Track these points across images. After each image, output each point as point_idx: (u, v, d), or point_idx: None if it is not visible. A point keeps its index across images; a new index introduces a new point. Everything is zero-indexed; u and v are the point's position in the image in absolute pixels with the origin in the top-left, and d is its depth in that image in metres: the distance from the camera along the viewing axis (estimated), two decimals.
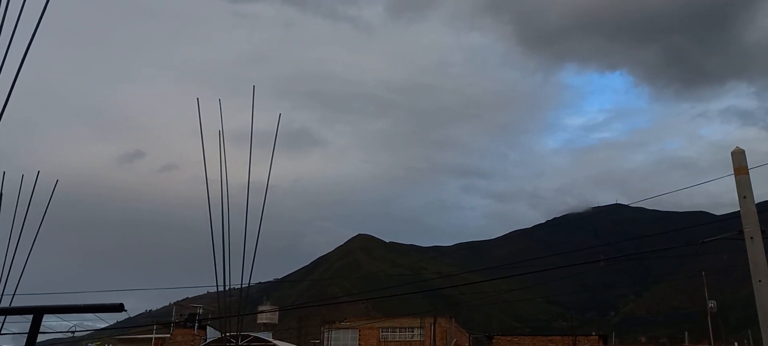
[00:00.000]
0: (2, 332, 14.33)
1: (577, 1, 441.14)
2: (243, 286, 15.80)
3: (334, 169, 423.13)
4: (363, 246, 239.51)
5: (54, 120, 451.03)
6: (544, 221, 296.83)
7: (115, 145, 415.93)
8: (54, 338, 40.17)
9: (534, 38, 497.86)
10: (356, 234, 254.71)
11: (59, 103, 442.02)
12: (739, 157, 12.89)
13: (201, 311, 61.77)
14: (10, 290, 17.16)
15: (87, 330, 52.73)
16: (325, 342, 61.27)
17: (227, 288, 15.76)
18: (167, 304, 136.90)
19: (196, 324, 58.12)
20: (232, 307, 17.48)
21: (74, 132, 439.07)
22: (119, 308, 3.54)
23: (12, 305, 16.73)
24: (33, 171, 17.24)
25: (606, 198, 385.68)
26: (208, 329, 55.71)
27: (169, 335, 57.81)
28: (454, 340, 61.40)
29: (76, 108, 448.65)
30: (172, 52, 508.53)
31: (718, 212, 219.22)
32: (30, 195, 16.71)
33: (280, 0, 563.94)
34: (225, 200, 15.69)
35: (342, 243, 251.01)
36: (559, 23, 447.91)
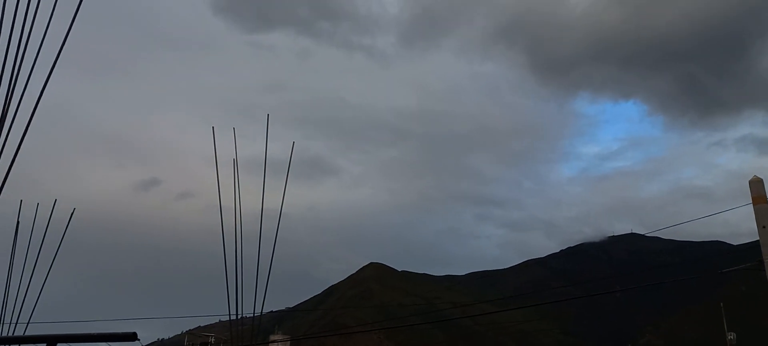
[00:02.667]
0: None
1: (590, 30, 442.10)
2: (255, 315, 15.75)
3: (348, 197, 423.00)
4: (376, 275, 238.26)
5: (73, 147, 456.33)
6: (559, 250, 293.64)
7: (132, 173, 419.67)
8: None
9: (547, 67, 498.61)
10: (369, 262, 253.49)
11: (78, 131, 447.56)
12: (757, 186, 12.71)
13: (213, 340, 61.58)
14: (24, 318, 17.24)
15: None
16: None
17: (240, 316, 15.71)
18: (179, 332, 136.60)
19: None
20: (245, 336, 17.40)
21: (92, 159, 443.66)
22: (132, 337, 3.53)
23: (26, 333, 16.77)
24: (51, 198, 17.43)
25: (622, 227, 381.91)
26: None
27: None
28: None
29: (94, 135, 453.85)
30: (189, 81, 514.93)
31: (737, 242, 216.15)
32: (46, 223, 16.86)
33: (295, 30, 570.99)
34: (238, 227, 15.72)
35: (354, 272, 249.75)
36: (572, 52, 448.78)
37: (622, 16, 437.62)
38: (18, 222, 17.09)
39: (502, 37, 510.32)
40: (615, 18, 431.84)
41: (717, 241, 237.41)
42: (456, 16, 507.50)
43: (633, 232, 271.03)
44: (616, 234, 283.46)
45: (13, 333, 16.50)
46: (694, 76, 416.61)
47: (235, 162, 16.34)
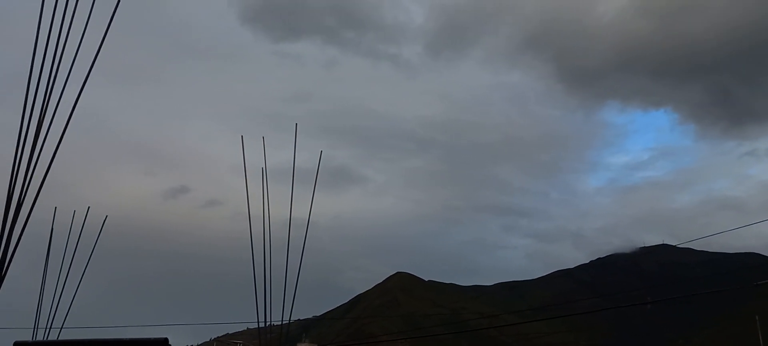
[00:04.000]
0: None
1: (618, 39, 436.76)
2: (284, 322, 15.83)
3: (374, 206, 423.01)
4: (402, 284, 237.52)
5: (105, 154, 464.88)
6: (587, 262, 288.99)
7: (162, 180, 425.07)
8: None
9: (574, 76, 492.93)
10: (395, 272, 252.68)
11: (110, 139, 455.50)
12: None
13: None
14: (58, 322, 17.56)
15: None
16: None
17: (268, 324, 15.79)
18: (208, 339, 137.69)
19: None
20: (273, 343, 17.48)
21: (123, 166, 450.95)
22: (163, 343, 3.57)
23: (59, 338, 17.07)
24: (84, 205, 17.76)
25: (652, 238, 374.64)
26: None
27: None
28: None
29: (125, 143, 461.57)
30: (218, 90, 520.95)
31: None
32: (80, 230, 17.18)
33: (322, 40, 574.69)
34: (267, 235, 15.83)
35: (381, 281, 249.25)
36: (600, 61, 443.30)
37: (650, 25, 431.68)
38: (52, 229, 17.44)
39: (529, 46, 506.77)
40: (644, 27, 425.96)
41: (750, 252, 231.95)
42: (482, 25, 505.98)
43: (664, 243, 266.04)
44: (646, 245, 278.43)
45: (46, 338, 16.80)
46: (725, 85, 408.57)
47: (264, 171, 16.47)
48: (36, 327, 17.12)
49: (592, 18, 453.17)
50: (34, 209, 8.14)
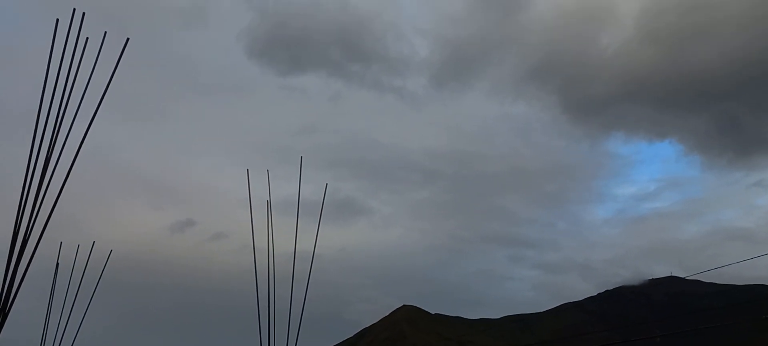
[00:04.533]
0: None
1: (622, 70, 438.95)
2: None
3: (380, 238, 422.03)
4: (408, 317, 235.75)
5: (112, 189, 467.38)
6: (596, 294, 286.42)
7: (168, 214, 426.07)
8: None
9: (579, 107, 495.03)
10: (402, 305, 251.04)
11: (118, 173, 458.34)
12: None
13: None
14: None
15: None
16: None
17: None
18: None
19: None
20: None
21: (130, 200, 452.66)
22: None
23: None
24: (89, 239, 17.85)
25: (661, 270, 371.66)
26: None
27: None
28: None
29: (133, 178, 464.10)
30: (225, 124, 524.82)
31: None
32: (85, 264, 17.23)
33: (327, 73, 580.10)
34: (271, 268, 15.84)
35: (387, 314, 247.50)
36: (605, 92, 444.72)
37: (655, 56, 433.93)
38: (58, 263, 17.50)
39: (534, 77, 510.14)
40: (648, 58, 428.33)
41: (761, 284, 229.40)
42: (487, 57, 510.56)
43: (673, 275, 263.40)
44: (655, 277, 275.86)
45: None
46: (731, 115, 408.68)
47: (269, 204, 16.55)
48: None
49: (596, 49, 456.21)
50: (40, 243, 8.22)
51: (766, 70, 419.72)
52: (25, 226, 8.06)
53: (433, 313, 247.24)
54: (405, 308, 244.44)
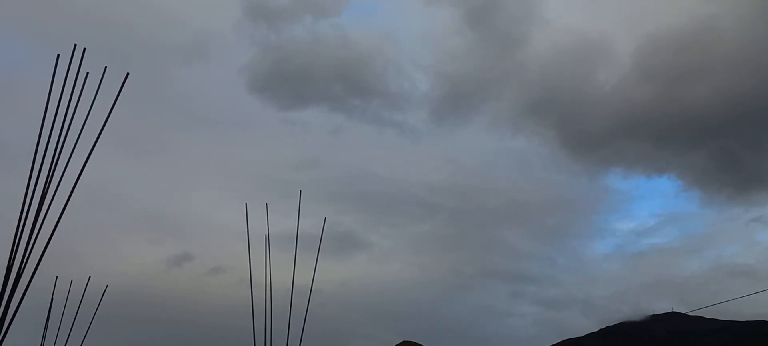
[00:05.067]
0: None
1: (620, 106, 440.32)
2: None
3: (379, 272, 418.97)
4: None
5: (108, 223, 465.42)
6: (597, 330, 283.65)
7: (165, 248, 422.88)
8: None
9: (578, 142, 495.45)
10: (402, 341, 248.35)
11: (115, 207, 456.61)
12: None
13: None
14: None
15: None
16: None
17: None
18: None
19: None
20: None
21: (127, 235, 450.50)
22: None
23: None
24: (85, 273, 17.72)
25: (662, 306, 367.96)
26: None
27: None
28: None
29: (130, 212, 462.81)
30: (224, 158, 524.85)
31: None
32: (80, 299, 17.08)
33: (328, 107, 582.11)
34: (269, 303, 15.70)
35: None
36: (603, 127, 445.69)
37: (652, 92, 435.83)
38: (52, 297, 17.35)
39: (532, 112, 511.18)
40: (645, 94, 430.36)
41: (763, 321, 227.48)
42: (485, 92, 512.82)
43: (674, 310, 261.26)
44: (656, 313, 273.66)
45: None
46: (729, 150, 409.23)
47: (267, 238, 16.49)
48: None
49: (594, 86, 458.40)
50: (35, 278, 8.16)
51: (762, 106, 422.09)
52: (20, 260, 8.01)
53: None
54: (404, 345, 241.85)
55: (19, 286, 7.91)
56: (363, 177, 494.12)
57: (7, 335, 7.77)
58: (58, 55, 9.66)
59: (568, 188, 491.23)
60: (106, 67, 9.96)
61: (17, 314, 7.88)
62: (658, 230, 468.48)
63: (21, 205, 8.20)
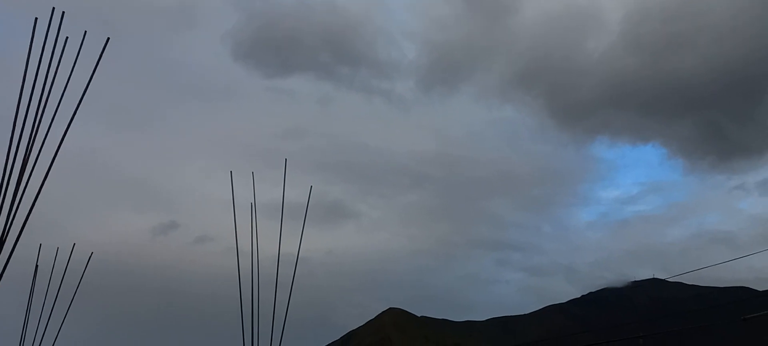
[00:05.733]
0: None
1: (607, 76, 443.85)
2: None
3: (367, 241, 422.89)
4: (394, 321, 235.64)
5: (94, 191, 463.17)
6: (579, 296, 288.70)
7: (151, 217, 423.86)
8: None
9: (565, 112, 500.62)
10: (388, 308, 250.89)
11: (100, 176, 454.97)
12: None
13: None
14: None
15: None
16: None
17: None
18: None
19: None
20: None
21: (112, 204, 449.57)
22: None
23: None
24: (70, 242, 17.61)
25: (644, 273, 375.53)
26: None
27: None
28: None
29: (115, 180, 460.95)
30: (210, 127, 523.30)
31: (763, 288, 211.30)
32: (65, 266, 17.00)
33: (315, 76, 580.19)
34: (255, 271, 15.72)
35: (373, 317, 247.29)
36: (590, 97, 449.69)
37: (639, 62, 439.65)
38: (37, 265, 17.25)
39: (520, 82, 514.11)
40: (632, 64, 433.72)
41: (742, 287, 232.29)
42: (474, 61, 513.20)
43: (655, 277, 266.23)
44: (638, 279, 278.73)
45: None
46: (713, 120, 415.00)
47: (253, 206, 16.44)
48: None
49: (582, 54, 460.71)
50: (18, 245, 8.07)
51: (746, 77, 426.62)
52: (2, 227, 7.91)
53: (419, 316, 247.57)
54: (391, 312, 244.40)
55: (2, 253, 7.82)
56: (351, 146, 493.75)
57: None
58: (36, 18, 9.43)
59: (554, 158, 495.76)
60: (86, 32, 9.74)
61: (1, 282, 7.81)
62: (642, 198, 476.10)
63: (1, 172, 8.07)
